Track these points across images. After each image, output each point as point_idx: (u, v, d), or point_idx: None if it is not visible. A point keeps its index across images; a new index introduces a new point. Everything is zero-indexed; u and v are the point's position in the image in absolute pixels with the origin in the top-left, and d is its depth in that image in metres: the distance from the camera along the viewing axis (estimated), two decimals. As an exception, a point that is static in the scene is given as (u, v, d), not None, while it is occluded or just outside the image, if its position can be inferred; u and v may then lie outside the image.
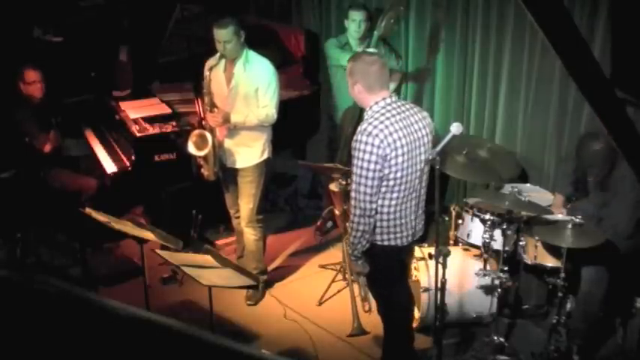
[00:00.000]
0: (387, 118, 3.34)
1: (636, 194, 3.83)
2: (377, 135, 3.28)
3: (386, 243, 3.50)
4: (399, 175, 3.35)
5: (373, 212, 3.38)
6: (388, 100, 3.41)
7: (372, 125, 3.31)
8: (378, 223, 3.44)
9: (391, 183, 3.36)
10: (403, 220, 3.49)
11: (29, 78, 5.00)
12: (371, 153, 3.27)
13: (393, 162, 3.31)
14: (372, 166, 3.29)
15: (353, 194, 3.37)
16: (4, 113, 5.08)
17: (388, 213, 3.43)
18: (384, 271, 3.66)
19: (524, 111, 4.83)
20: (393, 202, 3.41)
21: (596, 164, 3.85)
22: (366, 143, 3.28)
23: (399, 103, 3.47)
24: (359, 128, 3.37)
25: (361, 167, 3.30)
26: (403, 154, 3.34)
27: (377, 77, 3.42)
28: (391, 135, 3.30)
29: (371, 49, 4.87)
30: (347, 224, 3.64)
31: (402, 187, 3.39)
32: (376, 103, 3.40)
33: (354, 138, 3.36)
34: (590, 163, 3.86)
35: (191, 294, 4.73)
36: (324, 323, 4.54)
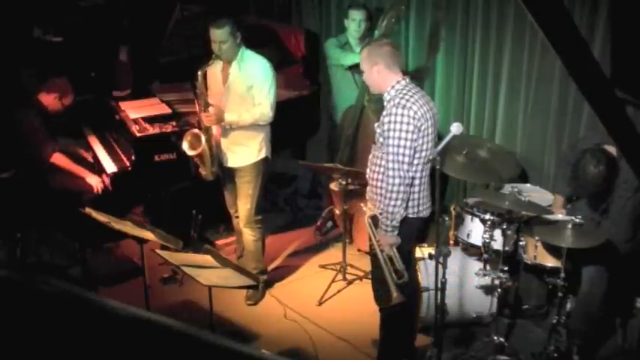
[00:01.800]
0: (414, 94, 3.53)
1: (635, 197, 3.82)
2: (411, 107, 3.46)
3: (415, 215, 3.64)
4: (430, 145, 3.53)
5: (410, 181, 3.51)
6: (408, 81, 3.61)
7: (405, 99, 3.49)
8: (411, 196, 3.57)
9: (423, 154, 3.52)
10: (427, 192, 3.67)
11: (66, 91, 4.98)
12: (408, 123, 3.44)
13: (425, 132, 3.50)
14: (409, 136, 3.44)
15: (390, 165, 3.47)
16: (4, 113, 5.07)
17: (419, 185, 3.59)
18: (408, 247, 3.79)
19: (524, 111, 4.83)
20: (424, 174, 3.59)
21: (592, 187, 3.80)
22: (402, 115, 3.44)
23: (413, 84, 3.65)
24: (390, 104, 3.50)
25: (399, 137, 3.44)
26: (431, 126, 3.54)
27: (393, 56, 3.61)
28: (421, 108, 3.50)
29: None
30: (372, 204, 3.65)
31: (428, 159, 3.54)
32: (398, 82, 3.56)
33: (387, 113, 3.49)
34: (587, 185, 3.80)
35: (191, 294, 4.73)
36: (324, 323, 4.54)
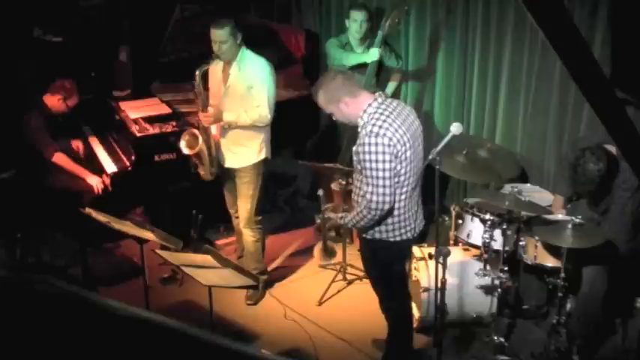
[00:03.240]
0: (387, 116, 3.33)
1: (635, 198, 3.82)
2: (384, 134, 3.27)
3: (398, 239, 3.51)
4: (408, 168, 3.37)
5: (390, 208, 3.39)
6: (380, 100, 3.42)
7: (377, 126, 3.29)
8: (390, 220, 3.45)
9: (402, 178, 3.37)
10: (411, 212, 3.51)
11: (70, 93, 4.99)
12: (384, 153, 3.26)
13: (403, 157, 3.32)
14: (387, 166, 3.27)
15: (369, 196, 3.31)
16: (6, 113, 5.07)
17: (399, 208, 3.44)
18: (399, 267, 3.74)
19: (524, 111, 4.83)
20: (403, 197, 3.43)
21: (592, 185, 3.79)
22: (377, 144, 3.25)
23: (388, 101, 3.46)
24: (363, 132, 3.32)
25: (377, 169, 3.27)
26: (410, 148, 3.35)
27: (349, 81, 3.47)
28: (397, 131, 3.30)
29: (375, 49, 4.88)
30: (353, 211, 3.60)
31: (411, 180, 3.42)
32: (369, 105, 3.38)
33: (361, 142, 3.31)
34: (587, 183, 3.79)
35: (191, 294, 4.73)
36: (324, 323, 4.54)
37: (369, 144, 3.26)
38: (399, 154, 3.30)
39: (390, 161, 3.27)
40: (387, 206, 3.34)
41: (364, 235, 3.58)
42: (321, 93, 3.46)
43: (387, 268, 3.67)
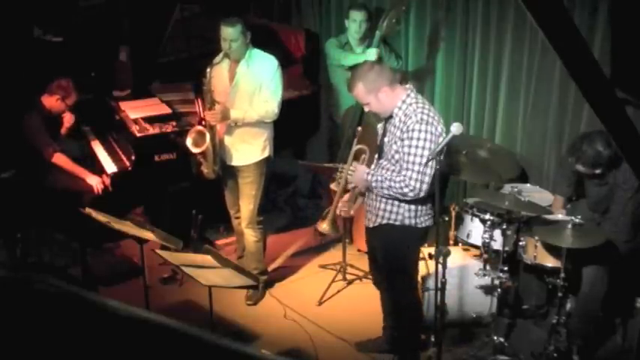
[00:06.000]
0: (429, 109, 3.47)
1: (635, 198, 3.82)
2: (432, 123, 3.41)
3: (423, 225, 3.62)
4: (440, 158, 3.45)
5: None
6: (414, 93, 3.52)
7: (426, 114, 3.41)
8: (420, 206, 3.55)
9: (438, 166, 3.44)
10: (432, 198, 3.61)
11: (68, 92, 4.99)
12: (431, 141, 3.38)
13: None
14: (429, 154, 3.38)
15: (407, 181, 3.39)
16: (6, 113, 5.07)
17: (431, 195, 3.52)
18: (417, 253, 3.84)
19: (524, 111, 4.83)
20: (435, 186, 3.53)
21: (591, 164, 3.78)
22: (427, 132, 3.38)
23: (419, 95, 3.57)
24: (410, 120, 3.39)
25: (421, 155, 3.37)
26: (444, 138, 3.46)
27: (386, 71, 3.57)
28: (440, 124, 3.46)
29: (372, 49, 4.87)
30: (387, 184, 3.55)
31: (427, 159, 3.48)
32: (407, 95, 3.49)
33: (406, 128, 3.39)
34: (587, 160, 3.78)
35: (191, 294, 4.73)
36: (324, 323, 4.54)
37: (420, 130, 3.37)
38: (440, 144, 3.42)
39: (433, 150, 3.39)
40: (422, 194, 3.43)
41: (391, 222, 3.61)
42: (360, 84, 3.51)
43: (412, 256, 3.77)
